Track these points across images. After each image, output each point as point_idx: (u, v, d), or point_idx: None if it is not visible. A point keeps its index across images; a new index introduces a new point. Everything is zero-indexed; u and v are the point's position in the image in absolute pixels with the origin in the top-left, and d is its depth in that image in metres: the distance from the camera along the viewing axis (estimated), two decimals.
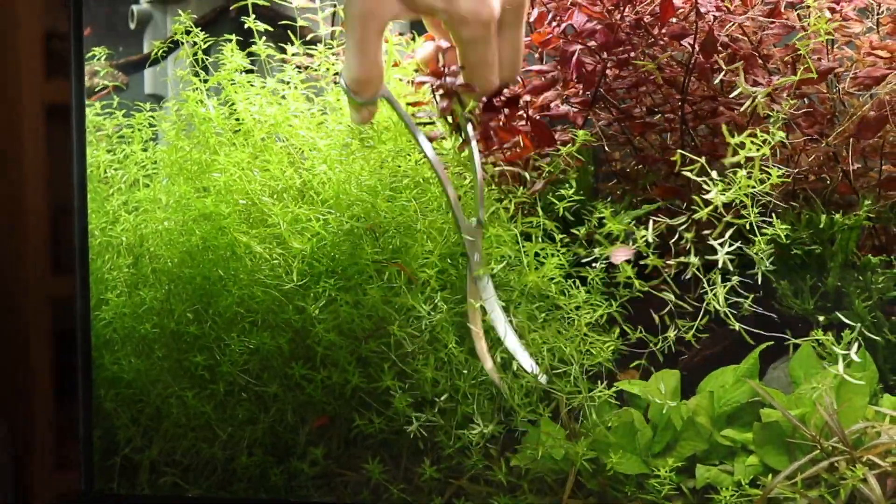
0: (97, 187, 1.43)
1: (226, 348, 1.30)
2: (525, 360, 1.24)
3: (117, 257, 1.39)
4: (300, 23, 1.41)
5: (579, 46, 1.25)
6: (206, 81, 1.39)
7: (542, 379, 1.24)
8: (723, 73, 1.19)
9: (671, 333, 1.22)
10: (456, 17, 1.20)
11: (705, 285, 1.20)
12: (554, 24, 1.33)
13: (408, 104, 1.30)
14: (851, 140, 1.29)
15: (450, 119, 1.30)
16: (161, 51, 1.44)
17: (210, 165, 1.34)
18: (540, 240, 1.26)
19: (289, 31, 1.40)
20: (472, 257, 1.26)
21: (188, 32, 1.39)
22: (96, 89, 1.49)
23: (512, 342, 1.24)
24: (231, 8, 1.38)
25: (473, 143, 1.28)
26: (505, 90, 1.28)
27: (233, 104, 1.37)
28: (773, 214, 1.20)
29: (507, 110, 1.29)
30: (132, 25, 1.61)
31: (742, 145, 1.15)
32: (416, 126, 1.27)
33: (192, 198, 1.33)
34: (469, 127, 1.28)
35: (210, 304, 1.31)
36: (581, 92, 1.30)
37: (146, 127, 1.44)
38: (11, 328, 1.38)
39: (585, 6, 1.26)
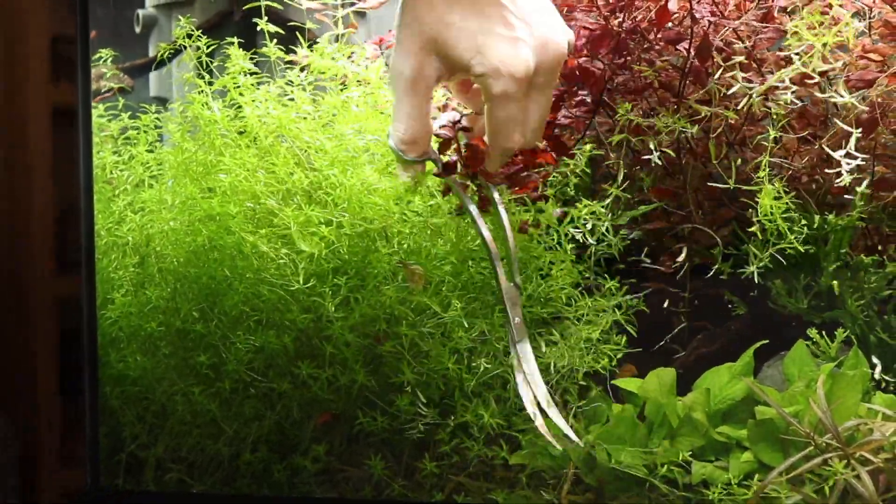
0: (102, 187, 1.44)
1: (231, 346, 1.31)
2: (567, 429, 1.23)
3: (123, 257, 1.40)
4: (308, 24, 1.43)
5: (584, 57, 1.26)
6: (210, 84, 1.41)
7: (581, 442, 1.24)
8: (717, 75, 1.20)
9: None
10: (491, 69, 1.19)
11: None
12: None
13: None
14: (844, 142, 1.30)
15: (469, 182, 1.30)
16: (167, 54, 1.45)
17: (215, 166, 1.35)
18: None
19: (297, 33, 1.41)
20: (513, 320, 1.24)
21: (190, 36, 1.40)
22: (102, 90, 1.51)
23: (554, 414, 1.23)
24: (240, 9, 1.39)
25: (501, 206, 1.27)
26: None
27: (239, 106, 1.38)
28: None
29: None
30: (137, 29, 1.61)
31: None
32: (467, 196, 1.27)
33: (198, 198, 1.34)
34: (495, 192, 1.28)
35: (216, 303, 1.32)
36: (584, 99, 1.31)
37: (151, 129, 1.45)
38: (19, 327, 1.39)
39: (584, 24, 1.27)
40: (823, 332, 1.31)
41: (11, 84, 1.39)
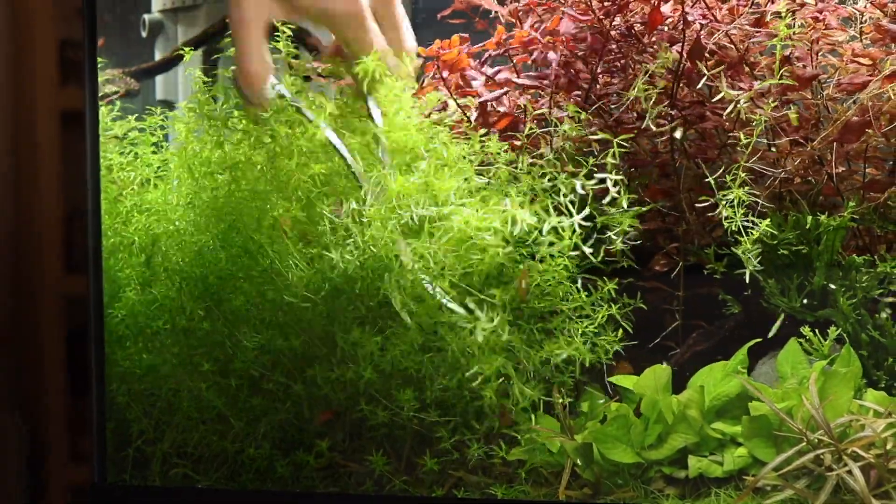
0: (107, 186, 1.45)
1: (237, 344, 1.32)
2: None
3: (130, 256, 1.41)
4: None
5: (561, 54, 1.28)
6: (211, 87, 1.42)
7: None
8: (705, 77, 1.21)
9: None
10: (324, 16, 1.30)
11: None
12: (540, 25, 1.36)
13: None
14: (835, 144, 1.31)
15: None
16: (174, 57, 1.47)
17: (220, 164, 1.37)
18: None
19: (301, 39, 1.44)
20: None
21: (197, 43, 1.42)
22: (111, 94, 1.52)
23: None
24: None
25: (370, 101, 1.33)
26: None
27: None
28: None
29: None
30: (144, 34, 1.62)
31: None
32: (308, 111, 1.32)
33: (204, 197, 1.36)
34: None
35: (222, 301, 1.34)
36: (571, 99, 1.33)
37: (158, 129, 1.47)
38: (28, 326, 1.40)
39: (574, 15, 1.29)
40: (816, 331, 1.32)
41: (20, 87, 1.40)
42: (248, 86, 1.30)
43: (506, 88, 1.40)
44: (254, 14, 1.29)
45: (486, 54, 1.44)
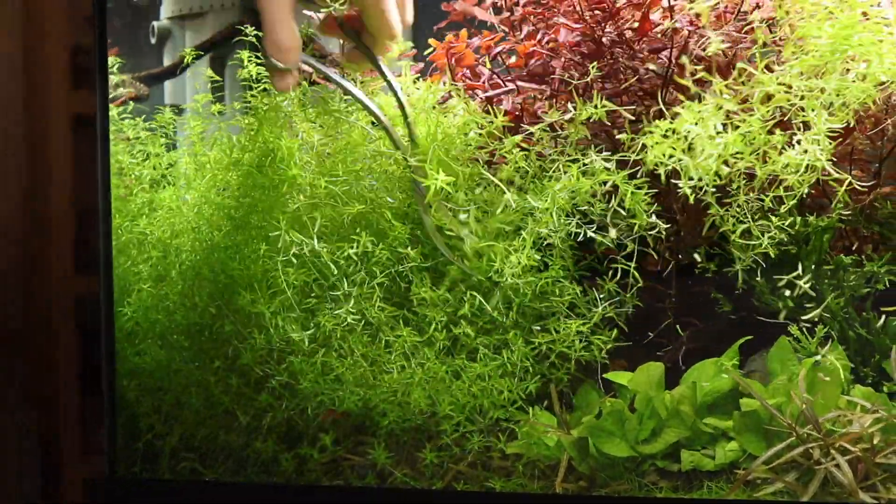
0: (117, 183, 1.47)
1: (245, 342, 1.34)
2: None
3: (139, 255, 1.43)
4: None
5: (563, 60, 1.30)
6: (221, 90, 1.44)
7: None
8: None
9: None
10: None
11: None
12: (541, 35, 1.38)
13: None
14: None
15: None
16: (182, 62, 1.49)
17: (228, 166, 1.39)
18: None
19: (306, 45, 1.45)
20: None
21: (204, 49, 1.44)
22: (123, 98, 1.54)
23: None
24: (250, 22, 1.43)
25: (393, 81, 1.34)
26: None
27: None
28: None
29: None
30: (153, 40, 1.63)
31: None
32: (340, 77, 1.33)
33: (213, 197, 1.38)
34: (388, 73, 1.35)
35: (230, 300, 1.36)
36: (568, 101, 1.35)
37: (170, 129, 1.48)
38: (41, 324, 1.41)
39: (568, 24, 1.30)
40: (804, 329, 1.33)
41: (33, 91, 1.41)
42: (279, 55, 1.28)
43: (511, 87, 1.42)
44: None
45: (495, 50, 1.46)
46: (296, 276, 1.29)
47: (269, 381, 1.35)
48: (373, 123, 1.37)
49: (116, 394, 1.40)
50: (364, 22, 1.33)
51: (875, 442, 1.22)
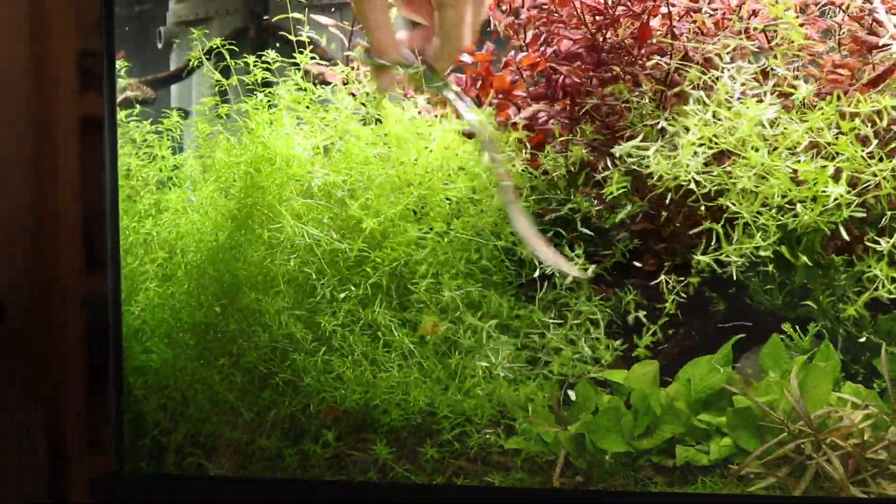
0: (124, 185, 1.49)
1: (250, 340, 1.36)
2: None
3: (146, 255, 1.45)
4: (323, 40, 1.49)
5: (565, 69, 1.32)
6: (226, 94, 1.46)
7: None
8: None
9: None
10: None
11: None
12: (544, 47, 1.40)
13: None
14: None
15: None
16: (188, 67, 1.51)
17: (233, 168, 1.41)
18: None
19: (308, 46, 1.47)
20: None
21: (210, 52, 1.47)
22: (135, 101, 1.56)
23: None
24: (255, 27, 1.44)
25: (457, 100, 1.31)
26: None
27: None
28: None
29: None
30: (160, 45, 1.64)
31: None
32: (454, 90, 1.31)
33: (219, 199, 1.40)
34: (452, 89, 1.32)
35: (235, 299, 1.37)
36: (567, 107, 1.38)
37: (176, 132, 1.50)
38: (49, 323, 1.41)
39: (568, 35, 1.33)
40: (797, 327, 1.35)
41: (41, 95, 1.43)
42: (385, 54, 1.27)
43: (542, 105, 1.44)
44: None
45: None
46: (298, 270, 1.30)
47: (272, 378, 1.37)
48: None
49: (124, 391, 1.41)
50: (436, 25, 1.28)
51: (865, 438, 1.24)
